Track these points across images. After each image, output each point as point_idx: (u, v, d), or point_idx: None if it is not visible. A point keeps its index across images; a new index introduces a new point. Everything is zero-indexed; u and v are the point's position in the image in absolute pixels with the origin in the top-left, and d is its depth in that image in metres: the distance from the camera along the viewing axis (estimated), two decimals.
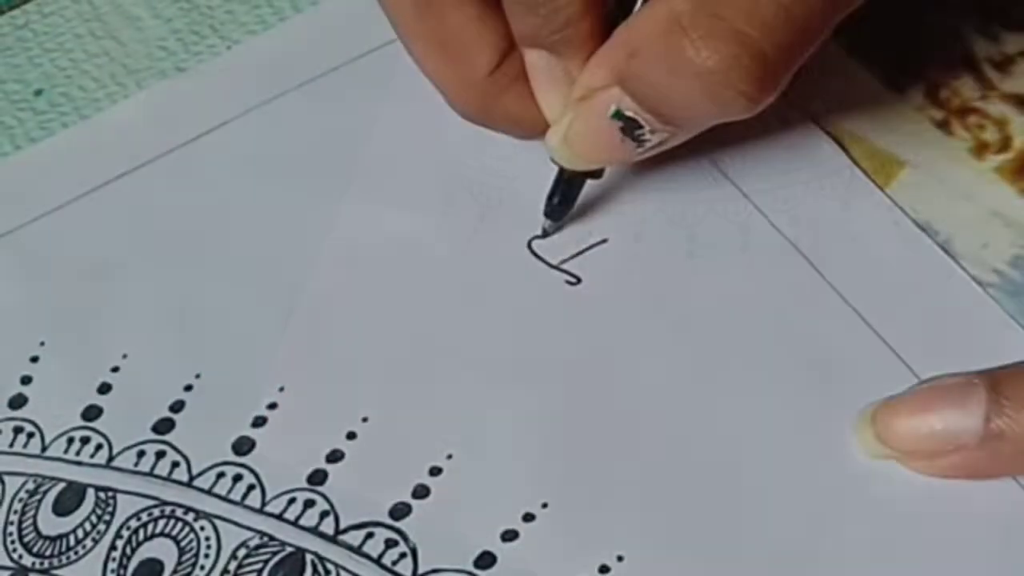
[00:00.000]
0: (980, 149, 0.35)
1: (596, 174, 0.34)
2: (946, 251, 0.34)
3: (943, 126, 0.36)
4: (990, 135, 0.35)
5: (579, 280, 0.34)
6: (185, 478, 0.32)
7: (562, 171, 0.34)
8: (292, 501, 0.31)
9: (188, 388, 0.33)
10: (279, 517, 0.31)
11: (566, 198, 0.34)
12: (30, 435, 0.33)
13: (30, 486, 0.32)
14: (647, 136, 0.31)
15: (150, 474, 0.32)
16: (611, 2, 0.31)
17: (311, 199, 0.36)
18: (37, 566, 0.31)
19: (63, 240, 0.36)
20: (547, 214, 0.34)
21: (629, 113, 0.30)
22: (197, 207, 0.36)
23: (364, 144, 0.37)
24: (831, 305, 0.33)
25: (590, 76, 0.31)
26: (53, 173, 0.37)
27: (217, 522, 0.31)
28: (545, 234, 0.35)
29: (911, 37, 0.37)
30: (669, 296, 0.34)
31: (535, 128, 0.33)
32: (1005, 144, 0.35)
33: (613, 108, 0.30)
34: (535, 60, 0.32)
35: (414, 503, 0.31)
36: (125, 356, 0.34)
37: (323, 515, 0.31)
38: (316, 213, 0.36)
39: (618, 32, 0.30)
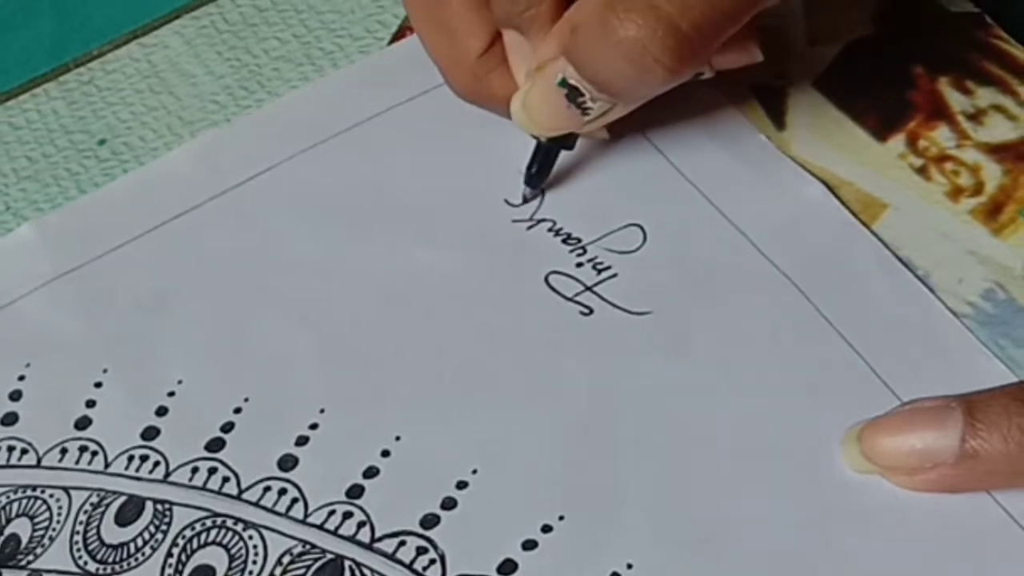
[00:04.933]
0: (955, 193, 0.36)
1: (568, 145, 0.36)
2: (925, 284, 0.34)
3: (922, 172, 0.36)
4: (965, 180, 0.36)
5: (591, 311, 0.35)
6: (235, 492, 0.33)
7: (539, 144, 0.36)
8: (332, 512, 0.32)
9: (238, 410, 0.34)
10: (320, 527, 0.32)
11: (542, 168, 0.37)
12: (94, 453, 0.34)
13: (94, 499, 0.33)
14: (589, 104, 0.33)
15: (203, 488, 0.33)
16: None
17: (348, 237, 0.37)
18: (101, 572, 0.32)
19: (124, 276, 0.37)
20: (526, 182, 0.37)
21: (572, 81, 0.33)
22: (245, 245, 0.37)
23: (397, 187, 0.38)
24: (822, 333, 0.34)
25: (543, 49, 0.33)
26: (115, 215, 0.38)
27: (264, 532, 0.32)
28: (525, 200, 0.37)
29: (894, 93, 0.38)
30: (672, 325, 0.34)
31: None
32: (978, 188, 0.36)
33: (559, 77, 0.33)
34: (510, 40, 0.35)
35: (443, 514, 0.32)
36: (180, 382, 0.35)
37: (360, 525, 0.32)
38: (352, 249, 0.37)
39: (568, 11, 0.33)
